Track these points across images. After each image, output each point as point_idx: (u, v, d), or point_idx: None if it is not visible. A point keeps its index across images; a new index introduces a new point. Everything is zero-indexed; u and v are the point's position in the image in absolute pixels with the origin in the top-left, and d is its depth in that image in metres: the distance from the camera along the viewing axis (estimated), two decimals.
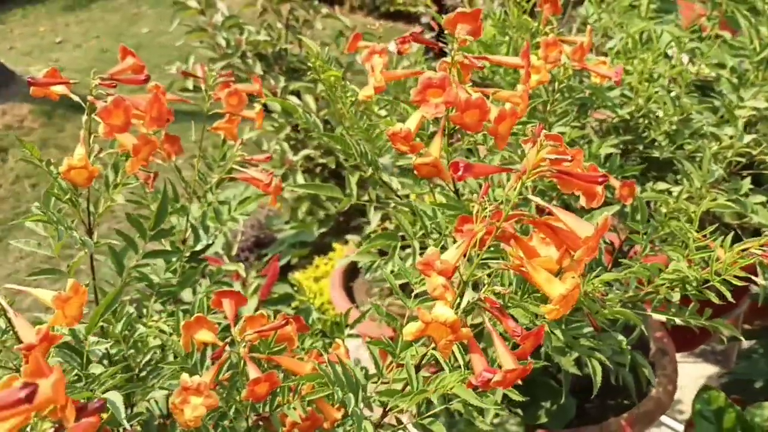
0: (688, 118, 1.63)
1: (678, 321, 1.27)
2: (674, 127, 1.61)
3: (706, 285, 1.17)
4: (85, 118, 1.08)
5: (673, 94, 1.62)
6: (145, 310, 1.28)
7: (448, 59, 1.07)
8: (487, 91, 1.07)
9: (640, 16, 1.86)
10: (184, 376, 1.00)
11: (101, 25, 6.21)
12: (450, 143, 1.13)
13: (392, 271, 1.21)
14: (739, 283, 1.12)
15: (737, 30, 1.82)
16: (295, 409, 1.07)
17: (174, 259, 1.31)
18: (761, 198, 1.51)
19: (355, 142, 1.31)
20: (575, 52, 1.32)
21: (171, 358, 1.16)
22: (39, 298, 0.94)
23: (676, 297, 1.24)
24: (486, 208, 0.87)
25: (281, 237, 3.06)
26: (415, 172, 1.09)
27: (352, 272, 2.30)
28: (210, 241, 1.37)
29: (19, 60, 5.43)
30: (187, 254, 1.36)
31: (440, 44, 1.25)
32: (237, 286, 1.84)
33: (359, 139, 1.32)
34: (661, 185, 1.56)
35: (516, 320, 0.97)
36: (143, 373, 1.15)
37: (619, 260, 1.36)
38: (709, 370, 2.45)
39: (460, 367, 0.96)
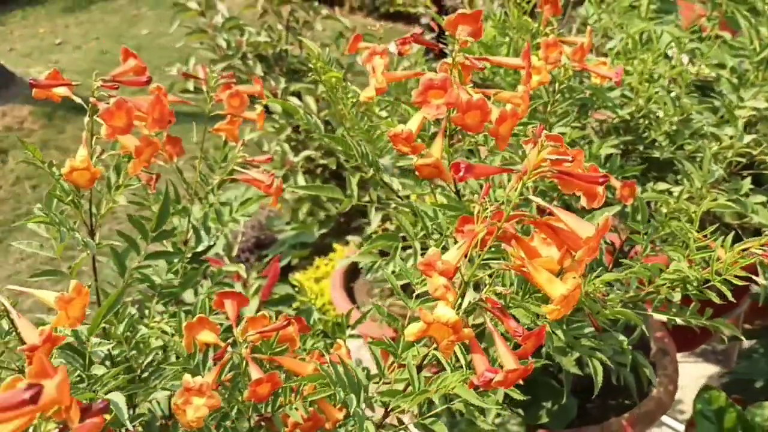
0: (688, 119, 1.63)
1: (679, 321, 1.27)
2: (674, 127, 1.62)
3: (707, 285, 1.17)
4: (87, 119, 1.08)
5: (673, 94, 1.62)
6: (147, 311, 1.29)
7: (448, 60, 1.08)
8: (488, 92, 1.07)
9: (640, 16, 1.86)
10: (187, 376, 1.00)
11: (101, 26, 6.22)
12: (451, 144, 1.14)
13: (393, 272, 1.21)
14: (740, 283, 1.12)
15: (737, 30, 1.83)
16: (297, 409, 1.07)
17: (176, 260, 1.31)
18: (761, 198, 1.51)
19: (356, 143, 1.31)
20: (575, 52, 1.32)
21: (173, 358, 1.16)
22: (42, 299, 0.94)
23: (676, 297, 1.24)
24: (487, 209, 0.88)
25: (282, 238, 3.06)
26: (417, 173, 1.10)
27: (352, 273, 2.30)
28: (212, 242, 1.38)
29: (19, 61, 5.44)
30: (189, 255, 1.36)
31: (440, 45, 1.26)
32: (238, 287, 1.84)
33: (360, 140, 1.32)
34: (662, 185, 1.56)
35: (517, 320, 0.97)
36: (145, 374, 1.16)
37: (620, 260, 1.36)
38: (710, 369, 2.46)
39: (461, 367, 0.96)
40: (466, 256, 0.88)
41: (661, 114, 1.62)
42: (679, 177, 1.56)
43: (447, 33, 1.12)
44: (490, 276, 0.91)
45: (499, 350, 0.90)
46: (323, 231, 2.96)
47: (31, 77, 1.06)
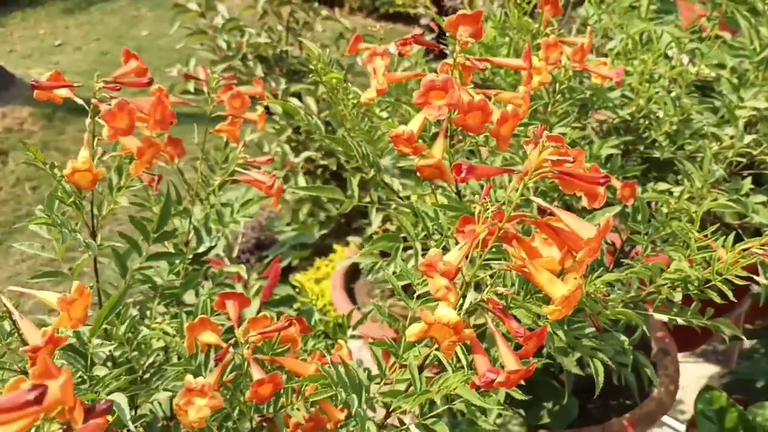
0: (688, 119, 1.63)
1: (680, 321, 1.27)
2: (675, 127, 1.62)
3: (708, 285, 1.17)
4: (88, 121, 1.08)
5: (673, 94, 1.62)
6: (148, 312, 1.29)
7: (449, 61, 1.08)
8: (489, 93, 1.07)
9: (640, 16, 1.86)
10: (189, 377, 1.00)
11: (101, 27, 6.22)
12: (451, 145, 1.14)
13: (394, 273, 1.22)
14: (741, 283, 1.12)
15: (737, 30, 1.83)
16: (298, 410, 1.07)
17: (177, 261, 1.31)
18: (762, 198, 1.51)
19: (357, 143, 1.31)
20: (576, 53, 1.32)
21: (175, 359, 1.16)
22: (44, 300, 0.94)
23: (677, 297, 1.24)
24: (488, 209, 0.88)
25: (282, 239, 3.06)
26: (418, 173, 1.10)
27: (353, 274, 2.30)
28: (213, 244, 1.38)
29: (19, 63, 5.44)
30: (190, 256, 1.36)
31: (441, 46, 1.26)
32: (239, 288, 1.84)
33: (361, 140, 1.33)
34: (662, 186, 1.56)
35: (519, 321, 0.97)
36: (147, 375, 1.16)
37: (621, 260, 1.36)
38: (711, 370, 2.46)
39: (463, 367, 0.96)
40: (467, 257, 0.88)
41: (661, 114, 1.62)
42: (679, 177, 1.56)
43: (447, 34, 1.12)
44: (491, 276, 0.91)
45: (501, 351, 0.90)
46: (324, 232, 2.96)
47: (31, 78, 1.06)
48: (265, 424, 1.10)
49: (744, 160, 1.58)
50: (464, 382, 0.94)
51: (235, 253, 2.77)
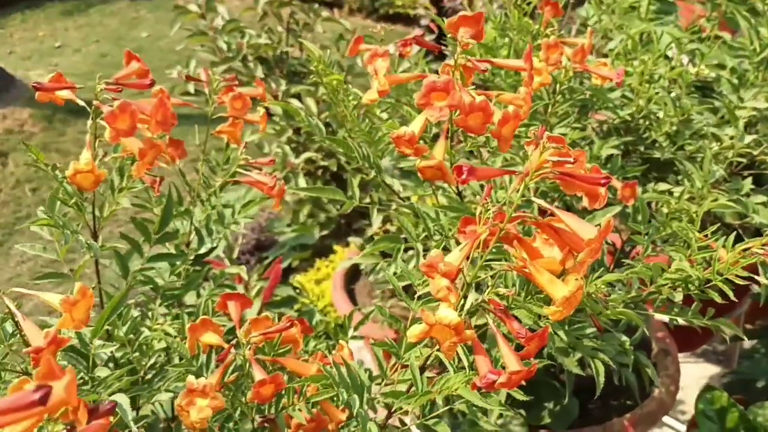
0: (688, 119, 1.63)
1: (681, 321, 1.27)
2: (675, 127, 1.62)
3: (709, 285, 1.17)
4: (90, 122, 1.09)
5: (673, 95, 1.62)
6: (150, 313, 1.29)
7: (450, 62, 1.08)
8: (491, 94, 1.08)
9: (640, 17, 1.86)
10: (190, 378, 1.01)
11: (100, 29, 6.22)
12: (452, 145, 1.14)
13: (395, 273, 1.22)
14: (742, 283, 1.12)
15: (737, 31, 1.83)
16: (300, 410, 1.07)
17: (178, 263, 1.31)
18: (762, 198, 1.51)
19: (358, 144, 1.31)
20: (576, 53, 1.33)
21: (176, 360, 1.17)
22: (47, 301, 0.95)
23: (678, 297, 1.25)
24: (489, 210, 0.88)
25: (282, 240, 3.07)
26: (420, 174, 1.10)
27: (353, 274, 2.30)
28: (214, 245, 1.38)
29: (18, 64, 5.44)
30: (191, 257, 1.36)
31: (441, 46, 1.26)
32: (240, 289, 1.84)
33: (361, 141, 1.33)
34: (663, 186, 1.56)
35: (520, 321, 0.97)
36: (149, 376, 1.16)
37: (622, 261, 1.37)
38: (711, 370, 2.46)
39: (464, 368, 0.96)
40: (468, 258, 0.88)
41: (661, 114, 1.62)
42: (679, 177, 1.56)
43: (448, 35, 1.12)
44: (492, 277, 0.91)
45: (502, 351, 0.90)
46: (324, 233, 2.96)
47: (31, 80, 1.07)
48: (266, 424, 1.10)
49: (744, 160, 1.58)
50: (465, 383, 0.94)
51: (235, 255, 2.77)
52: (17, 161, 4.09)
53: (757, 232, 1.59)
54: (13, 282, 3.29)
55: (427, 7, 3.26)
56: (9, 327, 0.99)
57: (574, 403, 1.59)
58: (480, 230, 0.88)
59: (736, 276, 1.12)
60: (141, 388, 1.11)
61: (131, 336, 1.14)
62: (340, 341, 1.26)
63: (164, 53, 5.40)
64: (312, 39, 2.87)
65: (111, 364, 1.16)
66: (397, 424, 1.12)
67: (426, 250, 1.28)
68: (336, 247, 2.78)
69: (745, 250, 1.12)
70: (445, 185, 1.27)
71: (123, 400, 0.94)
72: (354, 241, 2.75)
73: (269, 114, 2.77)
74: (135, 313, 1.21)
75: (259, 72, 2.78)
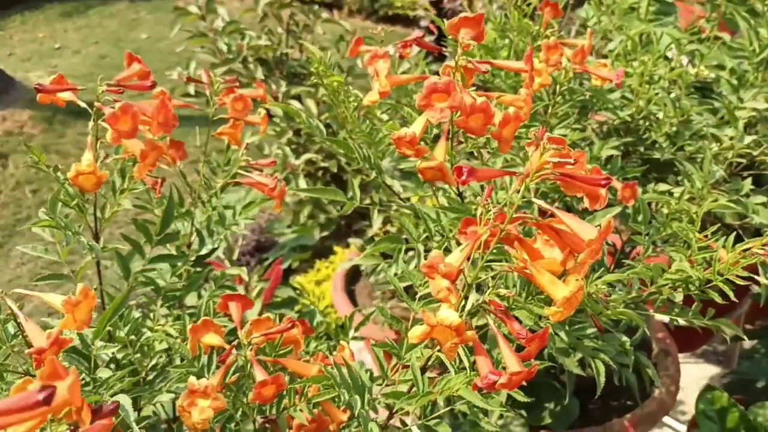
0: (688, 120, 1.63)
1: (681, 321, 1.27)
2: (675, 128, 1.62)
3: (709, 285, 1.17)
4: (91, 123, 1.09)
5: (673, 95, 1.63)
6: (151, 314, 1.29)
7: (451, 63, 1.08)
8: (491, 95, 1.08)
9: (639, 18, 1.87)
10: (192, 378, 1.01)
11: (99, 31, 6.23)
12: (452, 146, 1.14)
13: (396, 274, 1.22)
14: (742, 283, 1.13)
15: (736, 31, 1.84)
16: (301, 411, 1.07)
17: (179, 264, 1.31)
18: (762, 198, 1.51)
19: (358, 145, 1.31)
20: (576, 54, 1.33)
21: (178, 361, 1.17)
22: (49, 302, 0.95)
23: (678, 297, 1.25)
24: (490, 211, 0.88)
25: (282, 241, 3.07)
26: (420, 175, 1.10)
27: (353, 275, 2.31)
28: (215, 246, 1.38)
29: (18, 66, 5.45)
30: (192, 259, 1.37)
31: (440, 48, 1.26)
32: (240, 290, 1.84)
33: (361, 142, 1.33)
34: (663, 186, 1.56)
35: (520, 322, 0.98)
36: (150, 377, 1.16)
37: (622, 261, 1.37)
38: (711, 370, 2.46)
39: (465, 369, 0.96)
40: (469, 259, 0.89)
41: (661, 115, 1.63)
42: (679, 178, 1.56)
43: (448, 36, 1.12)
44: (493, 278, 0.92)
45: (503, 352, 0.90)
46: (324, 234, 2.96)
47: (32, 82, 1.07)
48: (268, 425, 1.10)
49: (744, 160, 1.58)
50: (466, 384, 0.94)
51: (235, 256, 2.77)
52: (17, 163, 4.10)
53: (757, 233, 1.59)
54: (13, 284, 3.29)
55: (426, 9, 3.26)
56: (11, 328, 0.99)
57: (575, 404, 1.60)
58: (481, 231, 0.88)
59: (737, 276, 1.13)
60: (142, 389, 1.12)
61: (133, 337, 1.15)
62: (341, 342, 1.26)
63: (164, 55, 5.41)
64: (312, 40, 2.87)
65: (112, 365, 1.16)
66: (398, 424, 1.12)
67: (427, 250, 1.28)
68: (336, 249, 2.78)
69: (745, 250, 1.12)
70: (446, 186, 1.27)
71: (125, 400, 0.94)
72: (354, 242, 2.75)
73: (269, 115, 2.77)
74: (136, 314, 1.21)
75: (260, 73, 2.78)
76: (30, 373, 0.97)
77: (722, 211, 1.50)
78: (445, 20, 1.18)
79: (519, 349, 0.91)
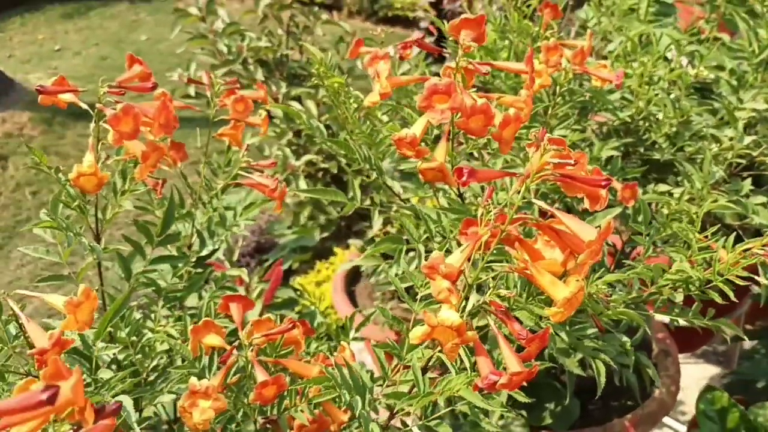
0: (688, 120, 1.64)
1: (681, 321, 1.27)
2: (674, 129, 1.62)
3: (709, 285, 1.18)
4: (93, 125, 1.09)
5: (672, 96, 1.63)
6: (152, 315, 1.29)
7: (451, 64, 1.08)
8: (492, 96, 1.08)
9: (639, 19, 1.87)
10: (193, 379, 1.01)
11: (100, 32, 6.23)
12: (453, 147, 1.14)
13: (397, 275, 1.22)
14: (742, 283, 1.13)
15: (735, 32, 1.84)
16: (302, 411, 1.08)
17: (180, 265, 1.32)
18: (762, 199, 1.52)
19: (358, 146, 1.31)
20: (576, 55, 1.33)
21: (179, 362, 1.17)
22: (51, 303, 0.95)
23: (679, 298, 1.25)
24: (490, 212, 0.88)
25: (282, 242, 3.07)
26: (421, 176, 1.10)
27: (354, 276, 2.31)
28: (216, 247, 1.38)
29: (18, 68, 5.45)
30: (193, 260, 1.37)
31: (441, 49, 1.26)
32: (241, 291, 1.84)
33: (362, 143, 1.33)
34: (663, 187, 1.57)
35: (521, 323, 0.98)
36: (151, 378, 1.16)
37: (622, 262, 1.37)
38: (712, 371, 2.46)
39: (466, 369, 0.97)
40: (469, 259, 0.89)
41: (661, 116, 1.63)
42: (679, 178, 1.57)
43: (449, 37, 1.12)
44: (493, 279, 0.92)
45: (504, 353, 0.90)
46: (324, 235, 2.97)
47: (32, 83, 1.07)
48: (268, 425, 1.10)
49: (744, 161, 1.58)
50: (467, 384, 0.94)
51: (235, 257, 2.77)
52: (17, 164, 4.10)
53: (756, 233, 1.60)
54: (14, 285, 3.29)
55: (426, 10, 3.26)
56: (13, 329, 0.99)
57: (575, 404, 1.60)
58: (481, 232, 0.88)
59: (737, 276, 1.13)
60: (144, 390, 1.12)
61: (134, 338, 1.15)
62: (342, 343, 1.26)
63: (164, 56, 5.41)
64: (312, 42, 2.87)
65: (114, 366, 1.16)
66: (399, 425, 1.12)
67: (428, 251, 1.28)
68: (336, 249, 2.78)
69: (745, 250, 1.12)
70: (446, 187, 1.27)
71: (126, 401, 0.94)
72: (354, 243, 2.75)
73: (270, 117, 2.77)
74: (137, 315, 1.21)
75: (260, 75, 2.78)
76: (32, 374, 0.97)
77: (722, 211, 1.50)
78: (444, 21, 1.18)
79: (519, 349, 0.91)
